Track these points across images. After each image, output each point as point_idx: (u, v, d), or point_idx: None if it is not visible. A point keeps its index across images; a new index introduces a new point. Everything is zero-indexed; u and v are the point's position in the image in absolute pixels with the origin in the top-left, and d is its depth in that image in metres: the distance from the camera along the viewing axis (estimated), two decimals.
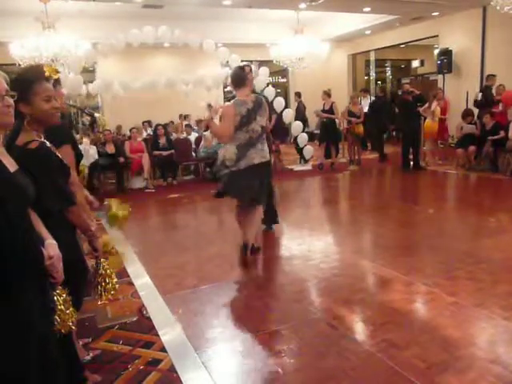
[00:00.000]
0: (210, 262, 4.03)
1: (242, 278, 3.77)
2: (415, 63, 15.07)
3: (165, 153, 8.34)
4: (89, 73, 10.95)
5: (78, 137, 7.69)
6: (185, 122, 10.47)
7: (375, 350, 2.46)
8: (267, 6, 9.52)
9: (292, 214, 6.01)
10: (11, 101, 1.46)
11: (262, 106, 3.97)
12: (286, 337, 2.69)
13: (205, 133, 8.98)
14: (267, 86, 9.26)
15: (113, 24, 9.51)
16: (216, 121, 4.06)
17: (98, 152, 7.71)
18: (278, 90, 13.52)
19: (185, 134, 9.19)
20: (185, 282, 3.60)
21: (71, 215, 2.00)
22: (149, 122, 11.15)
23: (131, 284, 3.61)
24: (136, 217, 6.40)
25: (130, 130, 8.73)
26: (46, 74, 1.85)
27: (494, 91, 8.53)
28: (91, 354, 2.55)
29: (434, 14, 10.43)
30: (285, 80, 15.58)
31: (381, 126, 10.09)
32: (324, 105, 8.93)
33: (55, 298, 1.63)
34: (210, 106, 3.94)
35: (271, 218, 4.85)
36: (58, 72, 1.95)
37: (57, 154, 1.91)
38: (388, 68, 16.33)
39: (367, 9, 9.89)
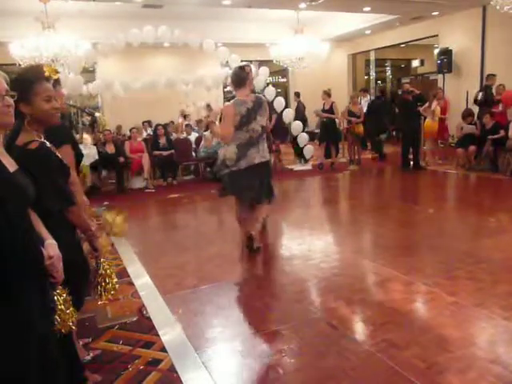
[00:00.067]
0: (210, 262, 4.03)
1: (242, 277, 3.78)
2: (415, 63, 15.07)
3: (165, 153, 8.34)
4: (89, 73, 10.95)
5: (77, 137, 7.68)
6: (185, 122, 10.47)
7: (375, 349, 2.46)
8: (267, 5, 9.52)
9: (292, 213, 6.01)
10: (11, 101, 1.46)
11: (263, 106, 3.98)
12: (286, 336, 2.69)
13: (205, 133, 8.99)
14: (267, 85, 9.27)
15: (113, 24, 9.52)
16: (216, 122, 4.09)
17: (98, 152, 7.71)
18: (278, 90, 13.52)
19: (185, 134, 9.19)
20: (185, 282, 3.60)
21: (71, 215, 2.00)
22: (149, 122, 11.15)
23: (131, 284, 3.61)
24: (136, 217, 6.41)
25: (130, 130, 8.73)
26: (46, 74, 1.85)
27: (493, 91, 8.53)
28: (91, 354, 2.55)
29: (433, 13, 10.43)
30: (285, 80, 15.59)
31: (379, 127, 10.09)
32: (324, 104, 8.93)
33: (55, 297, 1.63)
34: (208, 106, 3.98)
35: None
36: (57, 72, 1.95)
37: (57, 154, 1.91)
38: (388, 68, 16.33)
39: (367, 8, 9.89)
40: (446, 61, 10.46)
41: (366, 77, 15.19)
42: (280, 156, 9.31)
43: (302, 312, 3.00)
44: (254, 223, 4.15)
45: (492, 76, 8.84)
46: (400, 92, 10.94)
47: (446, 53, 10.50)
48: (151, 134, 9.87)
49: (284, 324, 2.83)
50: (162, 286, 3.52)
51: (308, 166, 9.29)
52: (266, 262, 4.11)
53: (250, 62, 10.38)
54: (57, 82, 2.06)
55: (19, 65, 8.11)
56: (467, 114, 8.33)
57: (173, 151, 8.42)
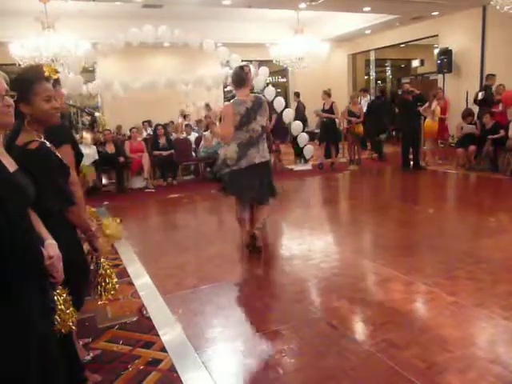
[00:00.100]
0: (210, 262, 4.03)
1: (242, 277, 3.78)
2: (415, 63, 15.07)
3: (165, 153, 8.34)
4: (89, 73, 10.95)
5: (77, 137, 7.68)
6: (185, 122, 10.47)
7: (375, 349, 2.46)
8: (267, 5, 9.52)
9: (292, 213, 6.01)
10: (11, 101, 1.46)
11: (262, 106, 4.00)
12: (286, 336, 2.69)
13: (205, 133, 8.99)
14: (267, 85, 9.27)
15: (113, 24, 9.52)
16: (216, 123, 4.12)
17: (98, 152, 7.71)
18: (278, 90, 13.52)
19: (185, 134, 9.19)
20: (185, 282, 3.60)
21: (71, 215, 2.00)
22: (149, 122, 11.15)
23: (131, 284, 3.61)
24: (136, 217, 6.42)
25: (130, 130, 8.73)
26: (46, 73, 1.85)
27: (493, 91, 8.53)
28: (91, 354, 2.55)
29: (433, 13, 10.44)
30: (285, 80, 15.59)
31: (379, 127, 10.09)
32: (324, 104, 8.92)
33: (55, 297, 1.63)
34: (207, 106, 4.02)
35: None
36: (57, 72, 1.95)
37: (57, 153, 1.91)
38: (388, 68, 16.33)
39: (367, 8, 9.89)
40: (446, 61, 10.46)
41: (365, 77, 15.19)
42: (280, 156, 9.31)
43: (301, 312, 3.00)
44: (255, 223, 4.17)
45: (492, 76, 8.84)
46: (400, 92, 10.94)
47: (446, 53, 10.50)
48: (151, 133, 9.87)
49: (284, 324, 2.83)
50: (162, 286, 3.52)
51: (308, 166, 9.29)
52: (266, 262, 4.10)
53: (250, 62, 10.42)
54: (56, 82, 2.06)
55: (19, 65, 8.11)
56: (467, 114, 8.33)
57: (173, 151, 8.42)
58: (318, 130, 10.12)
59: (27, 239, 1.42)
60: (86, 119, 11.62)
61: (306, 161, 9.52)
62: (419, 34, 11.68)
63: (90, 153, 7.40)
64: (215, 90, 10.84)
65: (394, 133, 13.01)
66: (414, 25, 11.38)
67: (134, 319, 3.00)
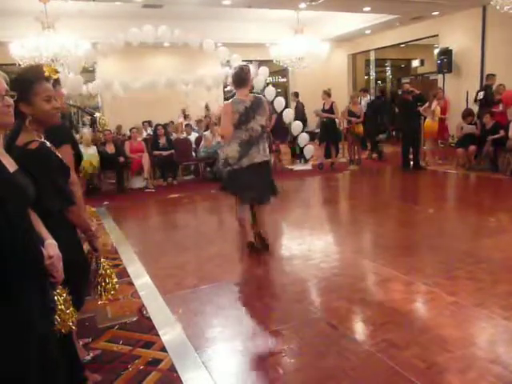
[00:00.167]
0: (210, 262, 4.04)
1: (243, 277, 3.78)
2: (415, 63, 15.07)
3: (165, 153, 8.34)
4: (89, 73, 10.95)
5: (77, 137, 7.68)
6: (185, 122, 10.47)
7: (375, 349, 2.46)
8: (267, 5, 9.52)
9: (292, 213, 6.01)
10: (11, 101, 1.46)
11: (262, 106, 4.03)
12: (286, 336, 2.69)
13: (205, 133, 8.99)
14: (267, 85, 9.27)
15: (112, 24, 9.52)
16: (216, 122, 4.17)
17: (99, 152, 7.71)
18: (279, 90, 13.52)
19: (185, 134, 9.19)
20: (185, 282, 3.60)
21: (71, 215, 2.00)
22: (149, 122, 11.15)
23: (131, 284, 3.61)
24: (136, 217, 6.42)
25: (130, 130, 8.74)
26: (46, 73, 1.85)
27: (493, 90, 8.53)
28: (91, 354, 2.55)
29: (433, 13, 10.43)
30: (285, 80, 15.59)
31: (378, 127, 10.08)
32: (324, 104, 8.92)
33: (55, 297, 1.63)
34: (206, 106, 4.07)
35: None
36: (57, 72, 1.95)
37: (57, 153, 1.91)
38: (388, 68, 16.33)
39: (367, 8, 9.89)
40: (446, 61, 10.46)
41: (366, 77, 15.19)
42: (280, 156, 9.32)
43: (302, 312, 3.00)
44: (259, 225, 4.25)
45: (492, 76, 8.84)
46: (400, 92, 10.94)
47: (446, 53, 10.50)
48: (151, 133, 9.87)
49: (284, 324, 2.83)
50: (162, 285, 3.52)
51: (308, 166, 9.30)
52: (266, 262, 4.10)
53: (250, 62, 10.41)
54: (56, 82, 2.06)
55: (19, 65, 8.10)
56: (467, 114, 8.33)
57: (173, 151, 8.42)
58: (318, 130, 10.12)
59: (27, 239, 1.42)
60: (87, 119, 11.62)
61: (306, 161, 9.53)
62: (419, 33, 11.67)
63: (90, 153, 7.41)
64: (215, 90, 10.84)
65: (393, 133, 13.02)
66: (414, 25, 11.37)
67: (134, 319, 3.00)
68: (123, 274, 3.80)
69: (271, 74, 12.06)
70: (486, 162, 7.93)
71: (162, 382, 2.30)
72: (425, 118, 8.85)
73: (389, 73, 16.38)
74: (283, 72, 14.94)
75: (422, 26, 11.32)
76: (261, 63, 10.81)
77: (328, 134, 8.99)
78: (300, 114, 10.24)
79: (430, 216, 5.44)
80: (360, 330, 2.79)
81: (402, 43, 12.92)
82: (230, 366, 2.47)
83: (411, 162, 8.43)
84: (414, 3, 9.31)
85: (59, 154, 1.93)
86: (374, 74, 14.77)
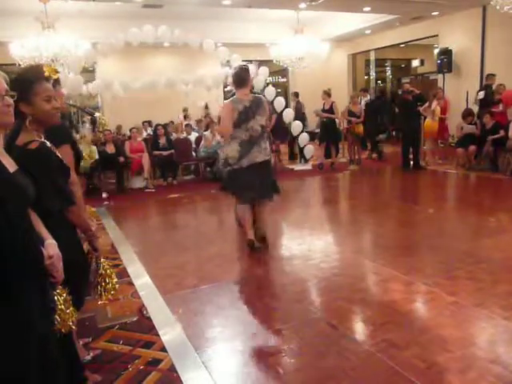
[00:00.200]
0: (210, 262, 4.04)
1: (242, 277, 3.78)
2: (415, 63, 15.07)
3: (165, 153, 8.34)
4: (88, 73, 10.95)
5: (77, 136, 7.67)
6: (185, 122, 10.47)
7: (375, 349, 2.46)
8: (267, 5, 9.52)
9: (292, 213, 6.01)
10: (11, 100, 1.46)
11: (261, 106, 4.05)
12: (286, 336, 2.69)
13: (205, 132, 8.99)
14: (267, 85, 9.27)
15: (112, 24, 9.52)
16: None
17: (99, 152, 7.70)
18: (279, 90, 13.52)
19: (185, 134, 9.19)
20: (185, 282, 3.60)
21: (71, 215, 2.00)
22: (149, 122, 11.15)
23: (131, 284, 3.61)
24: (136, 217, 6.42)
25: (130, 130, 8.74)
26: (46, 73, 1.85)
27: (493, 90, 8.53)
28: (91, 354, 2.55)
29: (433, 13, 10.43)
30: (285, 80, 15.59)
31: (378, 127, 10.07)
32: (324, 104, 8.92)
33: (55, 297, 1.63)
34: (206, 106, 4.09)
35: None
36: (57, 72, 1.95)
37: (57, 153, 1.91)
38: (388, 67, 16.33)
39: (367, 8, 9.88)
40: (446, 61, 10.46)
41: (366, 77, 15.19)
42: (280, 156, 9.32)
43: (302, 312, 3.00)
44: (258, 223, 4.26)
45: (492, 76, 8.84)
46: (400, 92, 10.93)
47: (446, 53, 10.50)
48: (151, 133, 9.87)
49: (284, 324, 2.83)
50: (162, 285, 3.52)
51: (308, 166, 9.30)
52: (266, 262, 4.11)
53: (250, 61, 10.41)
54: (56, 82, 2.07)
55: (19, 65, 8.10)
56: (467, 114, 8.33)
57: (173, 151, 8.42)
58: (318, 130, 10.12)
59: (27, 239, 1.42)
60: (87, 119, 11.62)
61: (306, 161, 9.53)
62: (419, 33, 11.67)
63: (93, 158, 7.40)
64: (215, 90, 10.83)
65: (393, 133, 13.01)
66: (414, 25, 11.37)
67: (134, 319, 3.00)
68: (123, 273, 3.80)
69: (271, 73, 12.06)
70: (486, 162, 7.93)
71: (161, 381, 2.30)
72: (425, 117, 8.85)
73: (389, 73, 16.38)
74: (283, 72, 14.94)
75: (422, 26, 11.32)
76: (261, 63, 10.81)
77: (328, 133, 8.99)
78: (299, 114, 10.25)
79: (430, 216, 5.44)
80: (360, 330, 2.79)
81: (402, 43, 12.93)
82: (229, 365, 2.47)
83: (411, 162, 8.43)
84: (414, 3, 9.31)
85: (59, 154, 1.93)
86: (374, 73, 14.78)
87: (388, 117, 12.61)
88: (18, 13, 8.96)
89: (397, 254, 4.04)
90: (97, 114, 8.87)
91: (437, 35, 11.22)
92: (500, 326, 2.68)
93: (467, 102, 9.66)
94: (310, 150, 9.22)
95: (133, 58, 11.25)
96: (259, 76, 8.81)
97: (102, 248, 2.33)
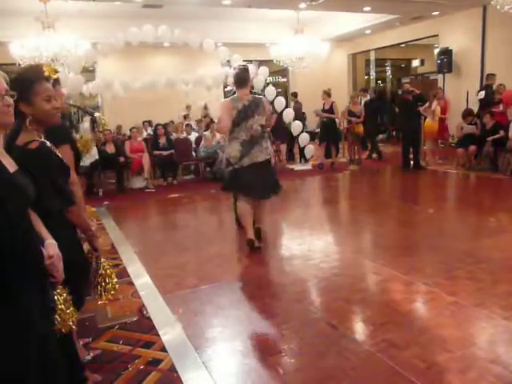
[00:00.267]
0: (210, 262, 4.04)
1: (243, 277, 3.78)
2: (415, 63, 15.07)
3: (165, 152, 8.34)
4: (89, 72, 10.95)
5: (77, 136, 7.66)
6: (185, 122, 10.47)
7: (375, 349, 2.46)
8: (267, 5, 9.52)
9: (292, 213, 6.01)
10: (11, 100, 1.46)
11: (261, 106, 4.09)
12: (286, 336, 2.69)
13: (205, 132, 8.99)
14: (267, 85, 9.27)
15: (112, 24, 9.51)
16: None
17: (99, 152, 7.70)
18: (279, 90, 13.52)
19: (185, 134, 9.19)
20: (185, 282, 3.60)
21: (71, 215, 2.00)
22: (149, 122, 11.15)
23: (131, 284, 3.61)
24: (136, 217, 6.42)
25: (130, 130, 8.74)
26: (46, 73, 1.85)
27: (494, 90, 8.53)
28: (91, 354, 2.55)
29: (434, 13, 10.43)
30: (285, 80, 15.59)
31: (378, 127, 10.07)
32: (324, 104, 8.92)
33: (56, 297, 1.63)
34: (205, 106, 4.13)
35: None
36: (57, 72, 1.95)
37: (57, 153, 1.91)
38: (388, 67, 16.33)
39: (367, 8, 9.88)
40: (446, 61, 10.46)
41: (366, 77, 15.19)
42: (280, 156, 9.32)
43: (302, 312, 3.00)
44: (262, 217, 4.29)
45: (492, 76, 8.84)
46: (400, 92, 10.92)
47: (446, 53, 10.49)
48: (151, 133, 9.87)
49: (284, 324, 2.83)
50: (162, 285, 3.52)
51: (308, 166, 9.30)
52: (266, 262, 4.11)
53: (250, 61, 10.39)
54: (56, 82, 2.06)
55: (19, 64, 8.10)
56: (467, 114, 8.33)
57: (173, 151, 8.42)
58: (318, 130, 10.12)
59: (27, 239, 1.42)
60: (87, 119, 11.61)
61: (306, 161, 9.54)
62: (419, 33, 11.67)
63: (90, 153, 7.39)
64: (215, 90, 10.84)
65: (394, 133, 13.01)
66: (414, 25, 11.37)
67: (134, 319, 3.00)
68: (123, 273, 3.80)
69: (271, 73, 12.05)
70: (486, 162, 7.93)
71: (161, 381, 2.30)
72: (425, 117, 8.85)
73: (389, 73, 16.38)
74: (283, 72, 14.94)
75: (422, 26, 11.31)
76: (261, 63, 10.81)
77: (328, 133, 8.99)
78: (298, 114, 10.25)
79: (430, 216, 5.44)
80: (360, 330, 2.79)
81: (402, 43, 12.93)
82: (229, 365, 2.47)
83: (411, 162, 8.43)
84: (414, 3, 9.31)
85: (59, 154, 1.93)
86: (374, 73, 14.77)
87: (388, 117, 12.62)
88: (18, 13, 8.96)
89: (397, 254, 4.04)
90: (97, 114, 8.87)
91: (437, 35, 11.21)
92: (500, 325, 2.68)
93: (467, 102, 9.66)
94: (310, 149, 9.22)
95: (133, 57, 11.25)
96: (259, 76, 8.80)
97: (101, 248, 2.33)
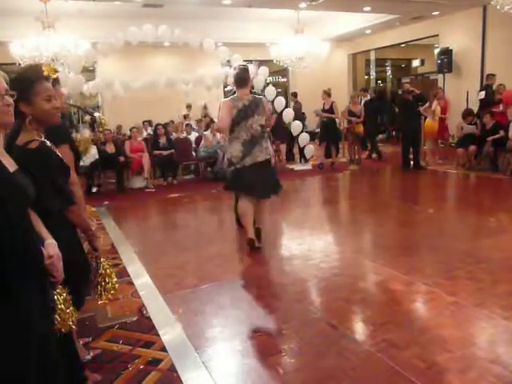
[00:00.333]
0: (210, 262, 4.04)
1: (243, 277, 3.78)
2: (415, 62, 15.07)
3: (165, 152, 8.34)
4: (89, 72, 10.95)
5: (77, 136, 7.66)
6: (185, 122, 10.47)
7: (375, 349, 2.46)
8: (267, 5, 9.52)
9: (292, 213, 6.01)
10: (11, 100, 1.46)
11: (260, 106, 4.11)
12: (286, 336, 2.69)
13: (205, 132, 8.99)
14: (267, 85, 9.27)
15: (112, 23, 9.51)
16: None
17: (99, 151, 7.70)
18: (279, 90, 13.52)
19: (185, 134, 9.19)
20: (185, 282, 3.60)
21: (71, 215, 2.00)
22: (149, 122, 11.15)
23: (131, 284, 3.61)
24: (136, 216, 6.42)
25: (131, 130, 8.74)
26: (45, 73, 1.84)
27: (494, 90, 8.53)
28: (91, 354, 2.55)
29: (434, 13, 10.43)
30: (285, 79, 15.58)
31: (378, 127, 10.07)
32: (324, 104, 8.92)
33: (55, 297, 1.63)
34: (205, 106, 4.15)
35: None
36: (56, 71, 1.95)
37: (57, 153, 1.91)
38: (388, 67, 16.33)
39: (367, 8, 9.88)
40: (447, 60, 10.46)
41: (366, 77, 15.19)
42: (280, 156, 9.32)
43: (302, 312, 3.00)
44: (262, 216, 4.28)
45: (492, 76, 8.84)
46: (400, 92, 10.92)
47: (447, 52, 10.49)
48: (151, 133, 9.87)
49: (284, 324, 2.83)
50: (162, 285, 3.52)
51: (308, 166, 9.30)
52: (266, 262, 4.11)
53: (250, 61, 10.40)
54: (56, 82, 2.06)
55: (19, 64, 8.10)
56: (467, 114, 8.33)
57: (173, 151, 8.42)
58: (318, 130, 10.12)
59: (27, 239, 1.42)
60: (87, 119, 11.61)
61: (306, 161, 9.53)
62: (419, 33, 11.67)
63: (90, 152, 7.40)
64: (215, 90, 10.84)
65: (394, 133, 13.01)
66: (415, 24, 11.37)
67: (134, 319, 3.00)
68: (123, 273, 3.80)
69: (271, 73, 12.06)
70: (486, 162, 7.93)
71: (161, 381, 2.30)
72: (425, 117, 8.85)
73: (389, 73, 16.38)
74: (283, 72, 14.94)
75: (423, 26, 11.31)
76: (261, 63, 10.81)
77: (328, 133, 8.99)
78: (298, 114, 10.25)
79: (430, 216, 5.44)
80: (360, 330, 2.79)
81: (403, 43, 12.92)
82: (229, 365, 2.47)
83: (411, 162, 8.43)
84: (414, 3, 9.31)
85: (59, 154, 1.93)
86: (374, 73, 14.77)
87: (388, 117, 12.60)
88: (18, 12, 8.96)
89: (397, 253, 4.04)
90: (97, 114, 8.87)
91: (437, 35, 11.21)
92: (500, 325, 2.68)
93: (467, 102, 9.66)
94: (310, 149, 9.22)
95: (133, 57, 11.25)
96: (259, 76, 8.81)
97: (101, 248, 2.32)
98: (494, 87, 8.55)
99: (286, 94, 14.49)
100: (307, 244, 4.48)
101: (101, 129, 8.10)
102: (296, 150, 10.12)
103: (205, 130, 9.26)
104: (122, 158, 7.78)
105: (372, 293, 3.30)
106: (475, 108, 8.92)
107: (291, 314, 2.99)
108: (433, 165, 8.73)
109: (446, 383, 2.17)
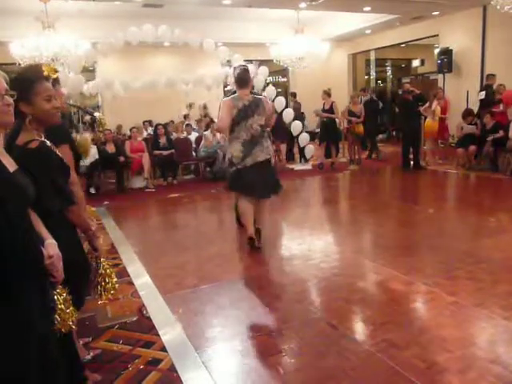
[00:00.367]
0: (210, 262, 4.04)
1: (243, 277, 3.78)
2: (415, 62, 15.07)
3: (165, 152, 8.34)
4: (89, 72, 10.94)
5: (77, 137, 7.66)
6: (185, 122, 10.47)
7: (375, 349, 2.46)
8: (267, 5, 9.52)
9: (292, 213, 6.01)
10: (11, 100, 1.46)
11: (260, 106, 4.12)
12: (286, 336, 2.69)
13: (205, 132, 8.99)
14: (267, 85, 9.28)
15: (113, 23, 9.51)
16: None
17: (99, 151, 7.70)
18: (279, 90, 13.52)
19: (185, 134, 9.19)
20: (185, 282, 3.60)
21: (71, 215, 2.00)
22: (149, 122, 11.15)
23: (131, 284, 3.61)
24: (136, 216, 6.42)
25: (131, 130, 8.73)
26: (45, 73, 1.84)
27: (494, 90, 8.53)
28: (91, 354, 2.55)
29: (434, 13, 10.43)
30: (285, 79, 15.58)
31: (378, 127, 10.06)
32: (324, 104, 8.92)
33: (55, 297, 1.63)
34: (205, 106, 4.15)
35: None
36: (56, 71, 1.95)
37: (57, 153, 1.91)
38: (388, 67, 16.32)
39: (367, 8, 9.88)
40: (447, 60, 10.46)
41: (366, 77, 15.19)
42: (280, 156, 9.32)
43: (302, 312, 3.00)
44: (262, 216, 4.28)
45: (492, 76, 8.84)
46: (400, 92, 10.92)
47: (447, 52, 10.49)
48: (151, 133, 9.87)
49: (284, 324, 2.83)
50: (162, 285, 3.52)
51: (308, 166, 9.30)
52: (266, 262, 4.11)
53: (250, 61, 10.40)
54: (56, 82, 2.06)
55: (19, 64, 8.10)
56: (467, 114, 8.33)
57: (173, 151, 8.42)
58: (318, 130, 10.12)
59: (27, 239, 1.42)
60: (87, 119, 11.61)
61: (306, 160, 9.53)
62: (419, 33, 11.67)
63: (90, 152, 7.39)
64: (215, 90, 10.84)
65: (394, 133, 13.00)
66: (415, 24, 11.37)
67: (134, 319, 3.00)
68: (123, 273, 3.80)
69: (271, 73, 12.05)
70: (486, 162, 7.93)
71: (161, 381, 2.30)
72: (425, 117, 8.85)
73: (389, 73, 16.37)
74: (283, 72, 14.93)
75: (423, 26, 11.31)
76: (261, 63, 10.81)
77: (328, 133, 9.00)
78: (298, 114, 10.25)
79: (430, 216, 5.44)
80: (360, 330, 2.79)
81: (403, 43, 12.92)
82: (229, 365, 2.47)
83: (411, 162, 8.43)
84: (414, 3, 9.31)
85: (59, 154, 1.93)
86: (374, 73, 14.77)
87: (388, 117, 12.59)
88: (18, 12, 8.96)
89: (397, 253, 4.04)
90: (97, 114, 8.87)
91: (437, 35, 11.21)
92: (500, 325, 2.68)
93: (467, 102, 9.66)
94: (310, 149, 9.22)
95: (133, 57, 11.25)
96: (259, 76, 8.81)
97: (101, 248, 2.32)
98: (494, 87, 8.55)
99: (286, 94, 14.49)
100: (307, 244, 4.48)
101: (101, 129, 8.10)
102: (296, 150, 10.13)
103: (205, 130, 9.26)
104: (122, 158, 7.78)
105: (372, 293, 3.30)
106: (475, 108, 8.92)
107: (291, 314, 2.99)
108: (433, 165, 8.73)
109: (445, 383, 2.17)
